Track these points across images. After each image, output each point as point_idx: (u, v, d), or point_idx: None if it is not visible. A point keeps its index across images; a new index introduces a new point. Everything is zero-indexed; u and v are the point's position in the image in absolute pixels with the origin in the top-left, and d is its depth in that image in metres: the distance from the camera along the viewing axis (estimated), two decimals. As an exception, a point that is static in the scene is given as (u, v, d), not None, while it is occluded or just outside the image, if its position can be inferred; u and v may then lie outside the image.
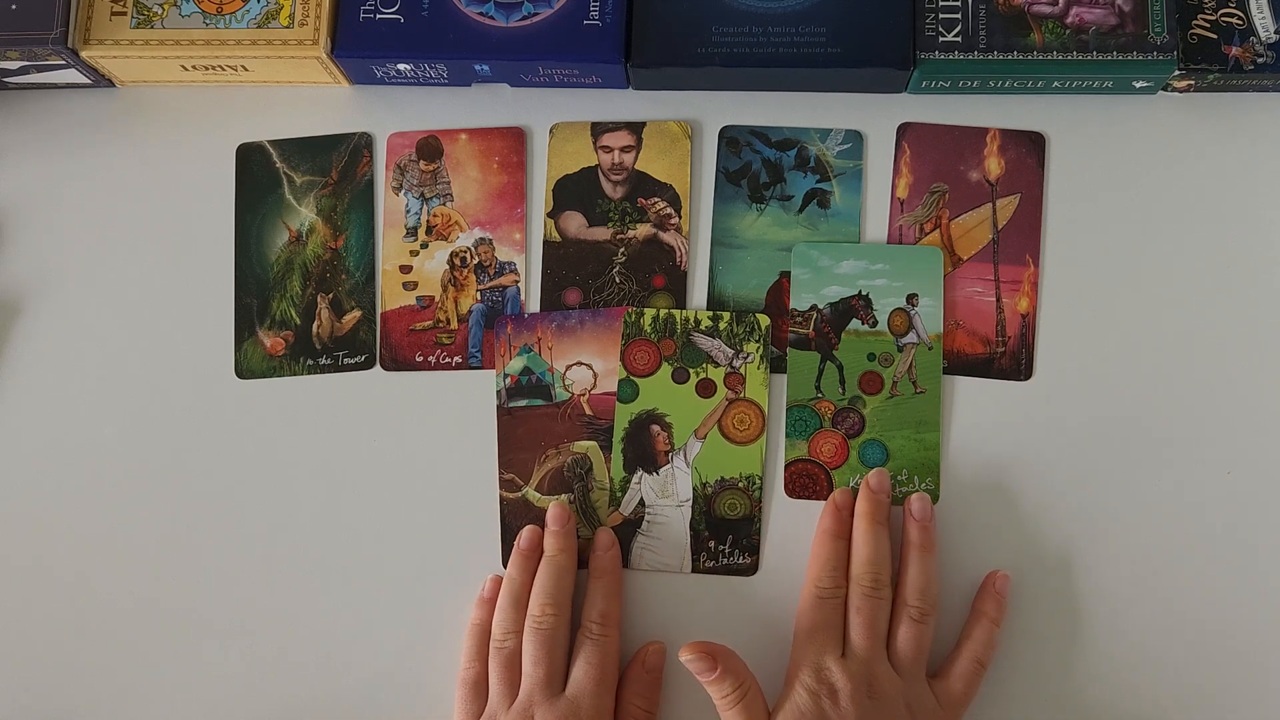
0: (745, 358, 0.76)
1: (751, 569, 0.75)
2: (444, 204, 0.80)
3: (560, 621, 0.71)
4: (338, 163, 0.81)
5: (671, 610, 0.75)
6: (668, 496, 0.75)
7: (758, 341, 0.76)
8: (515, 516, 0.76)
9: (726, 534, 0.75)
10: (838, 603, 0.70)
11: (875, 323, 0.76)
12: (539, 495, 0.76)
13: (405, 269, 0.79)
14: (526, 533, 0.74)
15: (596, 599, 0.72)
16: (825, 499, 0.74)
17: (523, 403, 0.77)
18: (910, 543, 0.72)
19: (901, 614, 0.70)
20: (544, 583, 0.72)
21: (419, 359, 0.78)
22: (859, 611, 0.69)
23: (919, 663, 0.70)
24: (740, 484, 0.75)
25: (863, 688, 0.67)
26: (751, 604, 0.74)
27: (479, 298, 0.79)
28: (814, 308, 0.77)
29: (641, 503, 0.75)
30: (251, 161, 0.81)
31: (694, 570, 0.75)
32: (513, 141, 0.80)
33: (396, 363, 0.78)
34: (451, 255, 0.79)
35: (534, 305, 0.78)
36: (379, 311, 0.79)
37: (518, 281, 0.79)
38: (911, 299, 0.76)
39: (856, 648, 0.69)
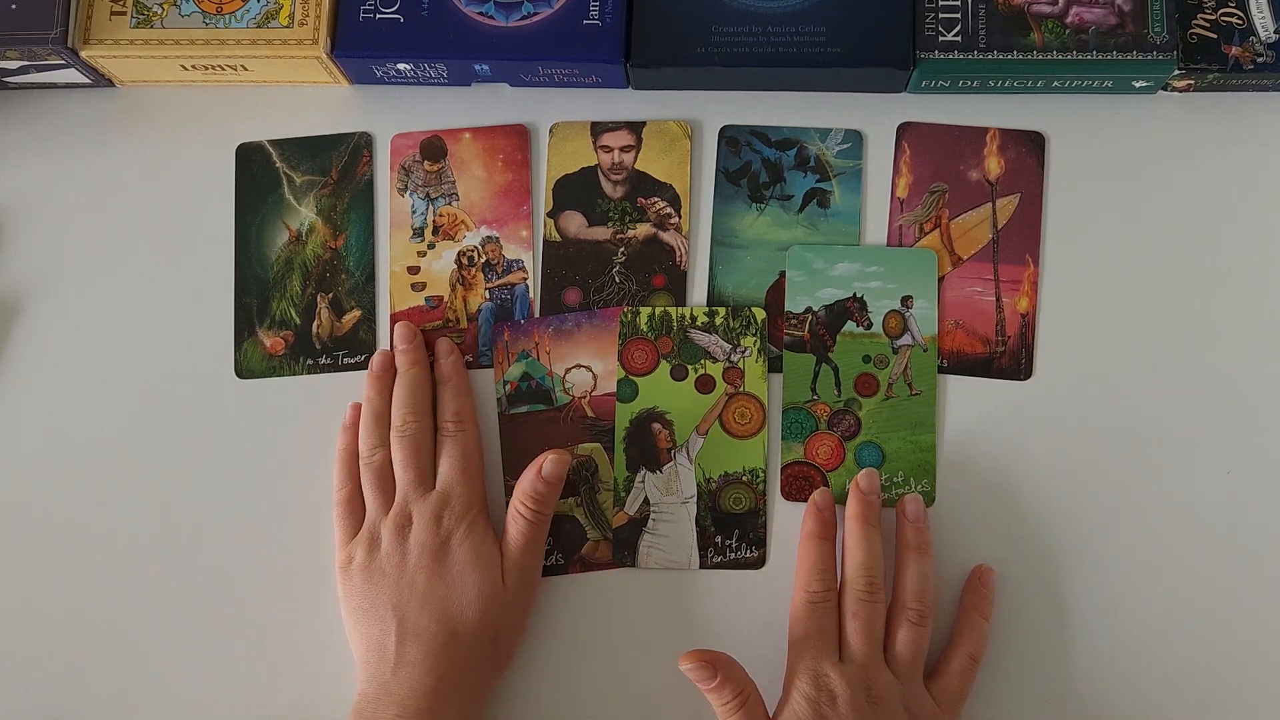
0: (743, 352, 0.76)
1: (759, 562, 0.75)
2: (449, 204, 0.80)
3: (423, 427, 0.74)
4: (337, 162, 0.81)
5: (682, 608, 0.75)
6: (672, 494, 0.75)
7: (755, 335, 0.76)
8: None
9: (733, 528, 0.75)
10: (830, 606, 0.70)
11: (870, 325, 0.77)
12: (545, 499, 0.76)
13: (413, 270, 0.79)
14: (378, 356, 0.77)
15: (447, 400, 0.76)
16: (817, 501, 0.75)
17: (524, 408, 0.77)
18: (906, 545, 0.72)
19: (900, 617, 0.70)
20: (402, 394, 0.75)
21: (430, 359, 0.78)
22: (855, 616, 0.69)
23: (917, 665, 0.70)
24: (744, 478, 0.75)
25: (861, 693, 0.67)
26: (761, 597, 0.74)
27: (488, 296, 0.79)
28: (809, 310, 0.77)
29: (646, 501, 0.76)
30: (251, 161, 0.81)
31: (702, 566, 0.75)
32: (516, 139, 0.80)
33: (408, 363, 0.78)
34: (459, 255, 0.79)
35: (538, 306, 0.78)
36: (379, 311, 0.79)
37: (526, 279, 0.79)
38: (906, 301, 0.76)
39: (854, 652, 0.69)
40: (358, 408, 0.76)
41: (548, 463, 0.73)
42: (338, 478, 0.75)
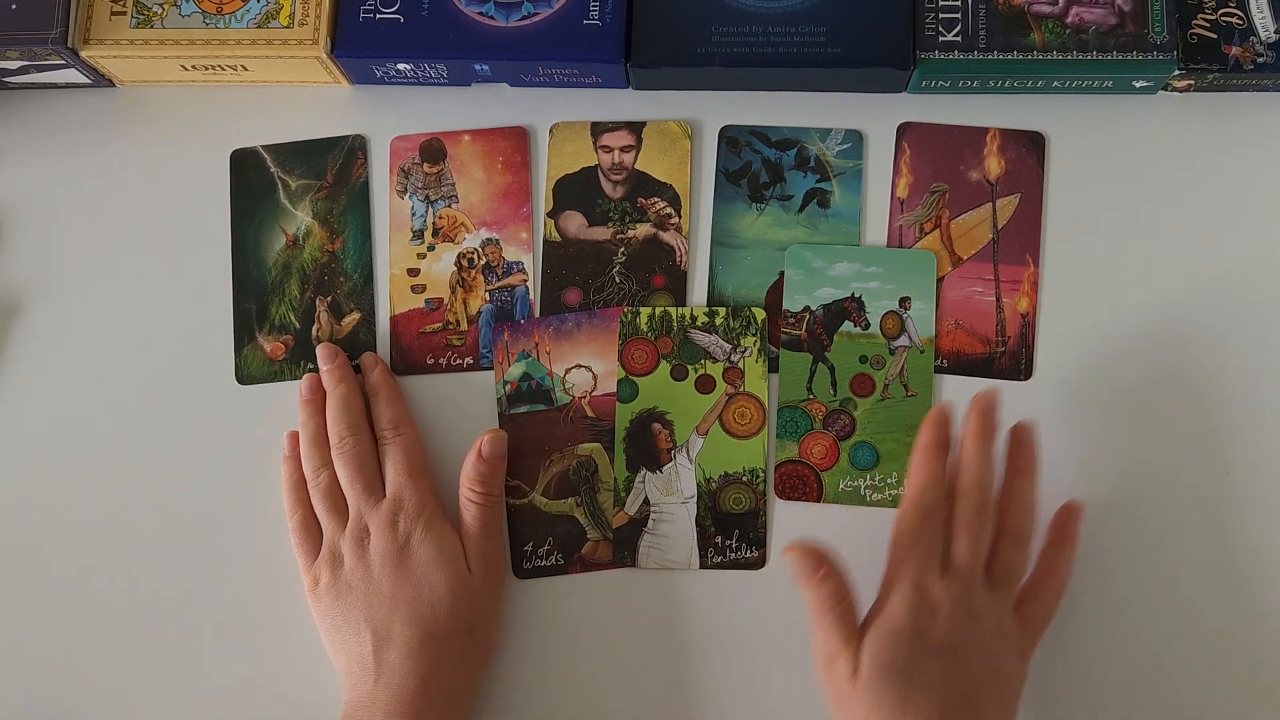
0: (743, 352, 0.76)
1: (759, 562, 0.75)
2: (449, 206, 0.80)
3: (360, 440, 0.75)
4: (332, 165, 0.81)
5: (681, 608, 0.75)
6: (672, 494, 0.75)
7: (755, 335, 0.77)
8: (523, 523, 0.76)
9: (733, 529, 0.75)
10: (939, 518, 0.69)
11: (868, 325, 0.77)
12: (546, 500, 0.76)
13: (413, 272, 0.79)
14: (305, 381, 0.77)
15: (381, 409, 0.76)
16: (815, 500, 0.75)
17: (524, 408, 0.77)
18: (1016, 469, 0.71)
19: (1005, 539, 0.69)
20: (335, 413, 0.76)
21: (430, 361, 0.78)
22: (967, 528, 0.68)
23: (1013, 586, 0.69)
24: (744, 478, 0.76)
25: (962, 607, 0.66)
26: (761, 598, 0.75)
27: (488, 298, 0.79)
28: (807, 309, 0.77)
29: (646, 501, 0.76)
30: (246, 166, 0.81)
31: (702, 566, 0.75)
32: (516, 141, 0.80)
33: (408, 366, 0.78)
34: (459, 257, 0.79)
35: (538, 308, 0.79)
36: (378, 313, 0.79)
37: (526, 281, 0.79)
38: (904, 302, 0.77)
39: (960, 566, 0.68)
40: (294, 436, 0.77)
41: (485, 443, 0.73)
42: (288, 505, 0.75)
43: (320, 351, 0.77)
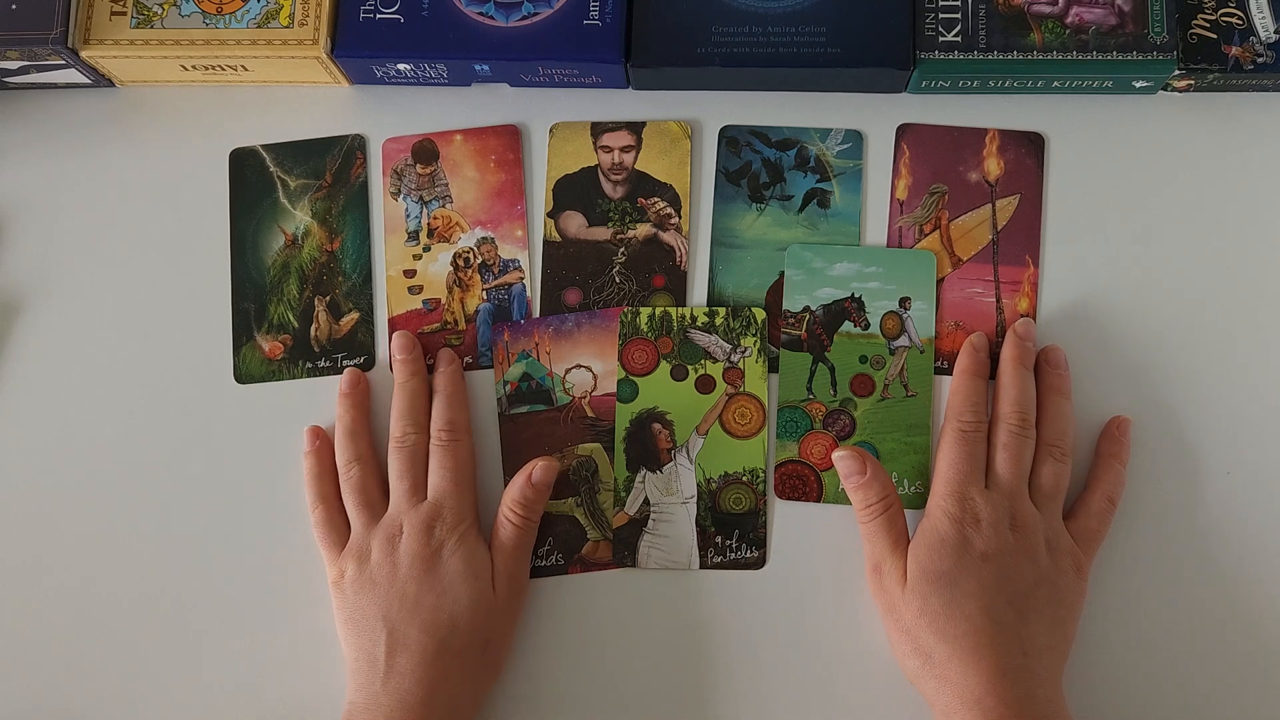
0: (743, 352, 0.76)
1: (759, 562, 0.75)
2: (443, 206, 0.80)
3: (421, 440, 0.75)
4: (331, 165, 0.81)
5: (682, 608, 0.75)
6: (672, 494, 0.75)
7: (755, 335, 0.77)
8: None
9: (733, 529, 0.75)
10: (981, 437, 0.72)
11: (868, 325, 0.77)
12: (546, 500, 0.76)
13: (409, 273, 0.79)
14: (347, 376, 0.77)
15: (441, 410, 0.76)
16: (815, 500, 0.75)
17: (524, 409, 0.77)
18: (1049, 388, 0.74)
19: (1044, 453, 0.72)
20: (402, 406, 0.76)
21: (430, 361, 0.78)
22: (1006, 448, 0.71)
23: (1058, 499, 0.72)
24: (744, 478, 0.75)
25: (1005, 519, 0.69)
26: (762, 598, 0.75)
27: (485, 297, 0.79)
28: (807, 309, 0.77)
29: (646, 501, 0.76)
30: (245, 166, 0.81)
31: (702, 566, 0.75)
32: (507, 139, 0.80)
33: (407, 366, 0.78)
34: (455, 256, 0.79)
35: (536, 305, 0.78)
36: (377, 313, 0.79)
37: (522, 278, 0.79)
38: (904, 302, 0.77)
39: (1002, 481, 0.71)
40: (314, 431, 0.77)
41: (537, 469, 0.73)
42: (311, 499, 0.75)
43: (397, 340, 0.77)
